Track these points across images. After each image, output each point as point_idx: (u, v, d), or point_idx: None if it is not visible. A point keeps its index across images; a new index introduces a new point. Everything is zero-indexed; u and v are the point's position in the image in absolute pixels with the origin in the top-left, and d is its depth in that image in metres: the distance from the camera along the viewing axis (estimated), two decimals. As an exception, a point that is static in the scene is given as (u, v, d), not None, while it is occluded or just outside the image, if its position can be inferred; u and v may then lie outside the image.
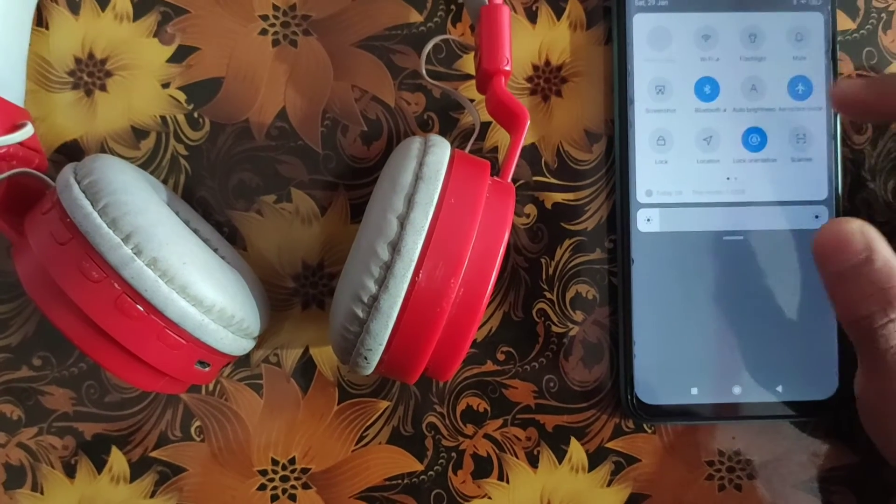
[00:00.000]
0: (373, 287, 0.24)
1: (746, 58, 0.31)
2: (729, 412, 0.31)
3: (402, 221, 0.24)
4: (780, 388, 0.31)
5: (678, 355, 0.31)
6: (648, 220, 0.31)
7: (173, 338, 0.25)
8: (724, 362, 0.31)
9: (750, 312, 0.31)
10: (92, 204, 0.24)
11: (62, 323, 0.24)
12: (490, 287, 0.25)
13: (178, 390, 0.27)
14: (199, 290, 0.25)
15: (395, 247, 0.24)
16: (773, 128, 0.31)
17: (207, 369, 0.26)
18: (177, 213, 0.27)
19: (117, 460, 0.31)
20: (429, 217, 0.24)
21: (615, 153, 0.31)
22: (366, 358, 0.25)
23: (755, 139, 0.31)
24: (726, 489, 0.32)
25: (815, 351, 0.31)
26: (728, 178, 0.31)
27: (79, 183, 0.25)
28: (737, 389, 0.31)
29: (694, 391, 0.31)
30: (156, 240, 0.24)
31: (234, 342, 0.26)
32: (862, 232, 0.27)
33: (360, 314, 0.24)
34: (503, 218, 0.25)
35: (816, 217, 0.31)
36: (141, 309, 0.24)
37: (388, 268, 0.24)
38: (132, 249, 0.24)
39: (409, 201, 0.24)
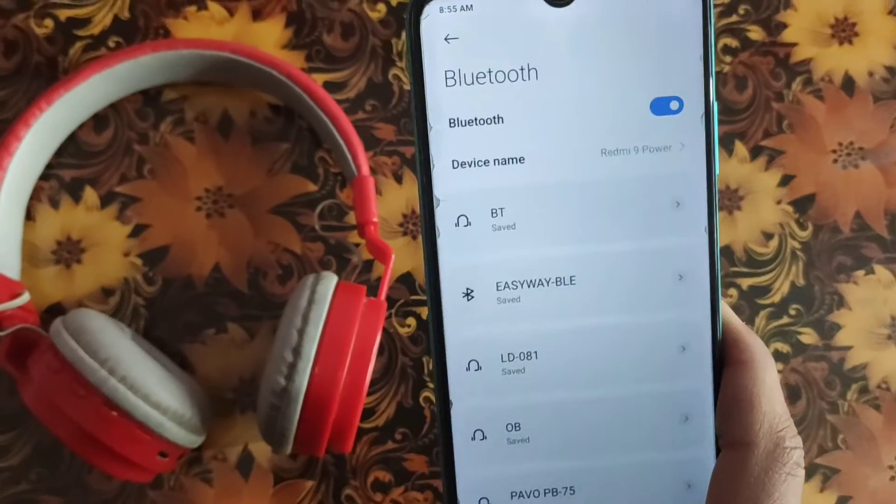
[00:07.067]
0: (283, 381, 0.34)
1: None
2: None
3: (301, 332, 0.34)
4: None
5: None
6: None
7: (141, 434, 0.34)
8: None
9: (606, 450, 0.26)
10: (76, 342, 0.34)
11: (59, 430, 0.33)
12: (369, 373, 0.34)
13: (146, 479, 0.36)
14: (158, 397, 0.34)
15: (297, 351, 0.34)
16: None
17: (167, 459, 0.35)
18: (139, 346, 0.37)
19: (100, 550, 0.39)
20: (319, 328, 0.34)
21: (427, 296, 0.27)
22: (283, 436, 0.34)
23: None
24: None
25: (690, 494, 0.26)
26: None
27: (66, 329, 0.34)
28: None
29: None
30: (124, 363, 0.34)
31: (186, 436, 0.35)
32: None
33: (276, 402, 0.34)
34: (375, 325, 0.36)
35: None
36: (116, 414, 0.33)
37: (292, 367, 0.34)
38: (107, 371, 0.33)
39: (305, 318, 0.34)
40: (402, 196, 0.43)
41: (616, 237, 0.25)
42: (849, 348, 0.43)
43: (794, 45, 0.46)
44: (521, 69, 0.24)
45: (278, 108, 0.44)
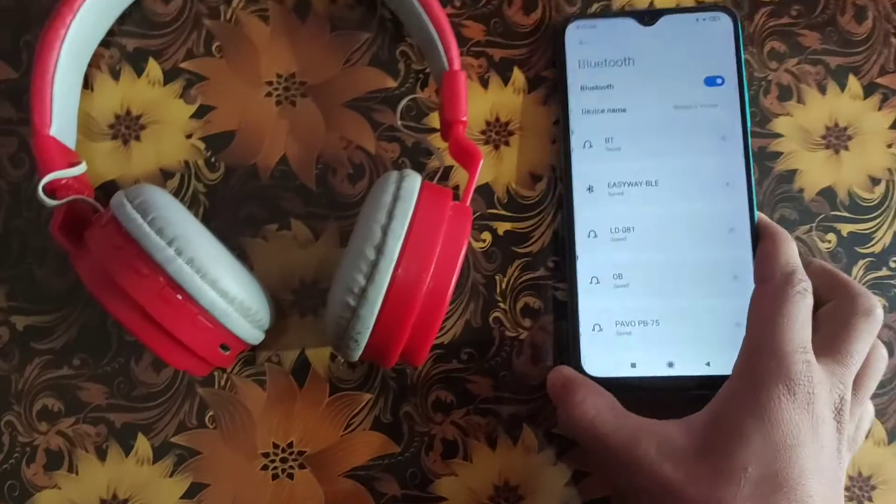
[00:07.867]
0: (362, 280, 0.31)
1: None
2: (663, 385, 0.36)
3: (385, 229, 0.31)
4: (708, 364, 0.36)
5: (618, 334, 0.36)
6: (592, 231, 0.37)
7: (204, 322, 0.31)
8: (658, 340, 0.36)
9: (680, 295, 0.36)
10: (142, 217, 0.31)
11: (117, 310, 0.31)
12: (453, 282, 0.32)
13: (202, 372, 0.34)
14: (226, 284, 0.31)
15: (380, 249, 0.31)
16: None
17: (227, 353, 0.33)
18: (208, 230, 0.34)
19: (142, 445, 0.37)
20: (405, 226, 0.31)
21: (563, 189, 0.39)
22: (356, 340, 0.32)
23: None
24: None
25: (738, 330, 0.34)
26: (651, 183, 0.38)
27: (131, 202, 0.31)
28: (671, 364, 0.36)
29: (633, 366, 0.36)
30: (193, 244, 0.31)
31: (250, 331, 0.33)
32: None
33: (352, 303, 0.31)
34: (463, 230, 0.33)
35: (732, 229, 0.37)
36: (180, 298, 0.31)
37: (374, 265, 0.31)
38: (174, 251, 0.30)
39: (390, 215, 0.31)
40: (488, 102, 0.40)
41: (684, 157, 0.38)
42: (949, 308, 0.40)
43: (922, -23, 0.42)
44: (624, 59, 0.39)
45: (360, -6, 0.40)
